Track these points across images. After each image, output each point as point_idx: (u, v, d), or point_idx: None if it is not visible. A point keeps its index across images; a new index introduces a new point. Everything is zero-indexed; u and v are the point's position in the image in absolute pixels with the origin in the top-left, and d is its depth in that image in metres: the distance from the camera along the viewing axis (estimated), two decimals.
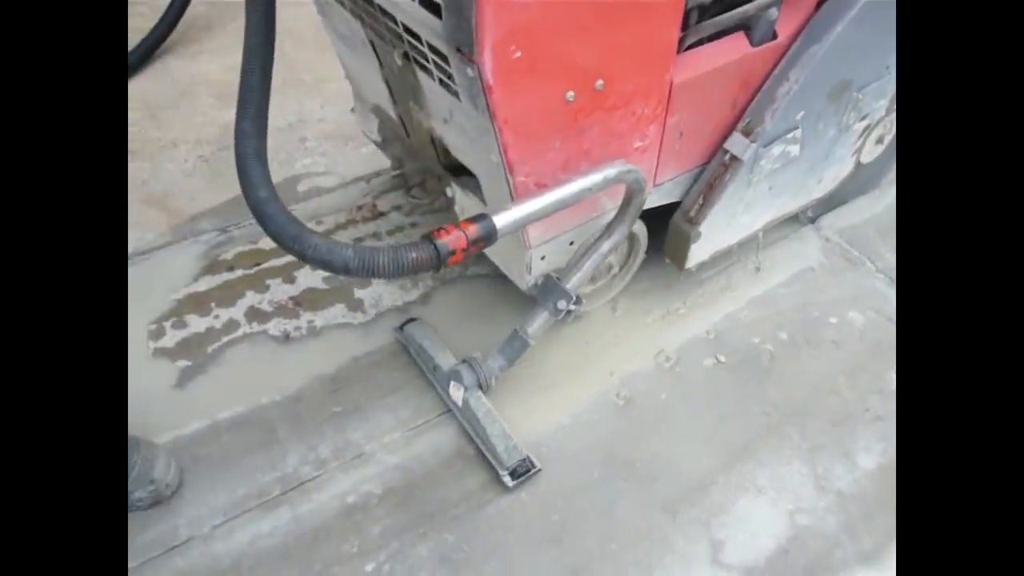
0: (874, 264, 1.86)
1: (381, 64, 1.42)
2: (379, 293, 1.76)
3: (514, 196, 1.24)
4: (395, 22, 1.18)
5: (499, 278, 1.75)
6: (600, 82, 1.16)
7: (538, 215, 1.17)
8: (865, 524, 1.36)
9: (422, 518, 1.35)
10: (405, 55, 1.25)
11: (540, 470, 1.41)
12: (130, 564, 1.27)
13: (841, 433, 1.50)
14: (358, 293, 1.76)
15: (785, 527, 1.35)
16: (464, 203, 1.53)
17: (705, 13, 1.27)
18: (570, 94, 1.14)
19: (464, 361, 1.47)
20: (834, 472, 1.43)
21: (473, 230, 1.10)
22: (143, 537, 1.32)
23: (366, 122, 1.77)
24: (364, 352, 1.63)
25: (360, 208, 1.95)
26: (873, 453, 1.47)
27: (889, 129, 1.75)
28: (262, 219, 1.08)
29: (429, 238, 1.08)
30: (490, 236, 1.12)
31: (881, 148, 1.81)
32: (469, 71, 1.03)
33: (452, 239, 1.08)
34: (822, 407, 1.54)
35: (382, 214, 1.94)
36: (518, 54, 1.03)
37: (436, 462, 1.43)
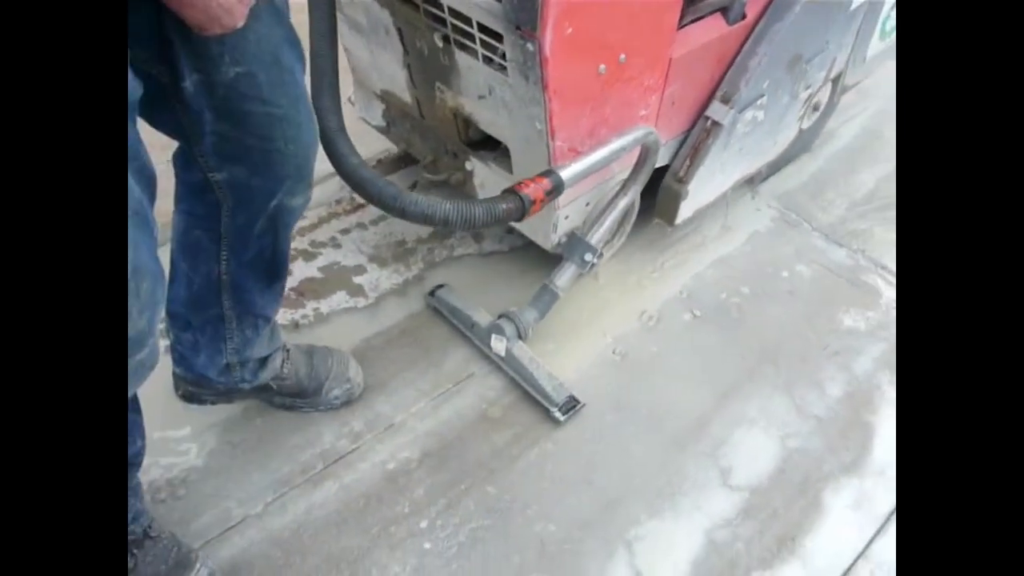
0: (809, 224, 2.11)
1: (406, 51, 1.54)
2: (376, 278, 1.84)
3: (552, 160, 1.41)
4: (439, 7, 1.34)
5: (483, 257, 1.88)
6: (623, 56, 1.36)
7: (590, 170, 1.37)
8: (843, 442, 1.57)
9: (462, 475, 1.46)
10: (445, 38, 1.39)
11: (585, 404, 1.57)
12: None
13: (809, 367, 1.71)
14: (356, 279, 1.84)
15: (778, 450, 1.55)
16: (483, 175, 1.69)
17: None
18: (602, 67, 1.34)
19: (502, 316, 1.61)
20: (809, 400, 1.65)
21: (546, 183, 1.29)
22: (197, 523, 1.37)
23: (368, 109, 1.87)
24: (374, 333, 1.71)
25: (339, 202, 2.03)
26: (838, 382, 1.69)
27: (823, 97, 2.02)
28: (360, 184, 1.20)
29: (513, 191, 1.26)
30: (559, 187, 1.30)
31: (817, 114, 2.07)
32: (529, 46, 1.21)
33: (532, 190, 1.27)
34: (789, 347, 1.75)
35: (361, 205, 2.02)
36: (570, 30, 1.22)
37: (463, 425, 1.54)
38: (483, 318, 1.66)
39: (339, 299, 1.79)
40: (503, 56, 1.30)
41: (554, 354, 1.69)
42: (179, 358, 1.36)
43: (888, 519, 1.46)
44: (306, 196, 1.15)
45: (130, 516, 1.17)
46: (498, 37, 1.28)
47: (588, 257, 1.62)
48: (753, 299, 1.86)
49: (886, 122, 2.53)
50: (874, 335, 1.81)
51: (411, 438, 1.51)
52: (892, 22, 2.07)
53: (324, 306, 1.77)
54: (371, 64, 1.74)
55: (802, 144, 2.22)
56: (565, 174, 1.31)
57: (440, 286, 1.78)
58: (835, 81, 2.01)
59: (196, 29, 0.85)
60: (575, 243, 1.63)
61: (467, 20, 1.31)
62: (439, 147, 1.79)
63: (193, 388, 1.41)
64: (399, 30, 1.52)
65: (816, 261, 1.99)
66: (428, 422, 1.54)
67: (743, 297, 1.87)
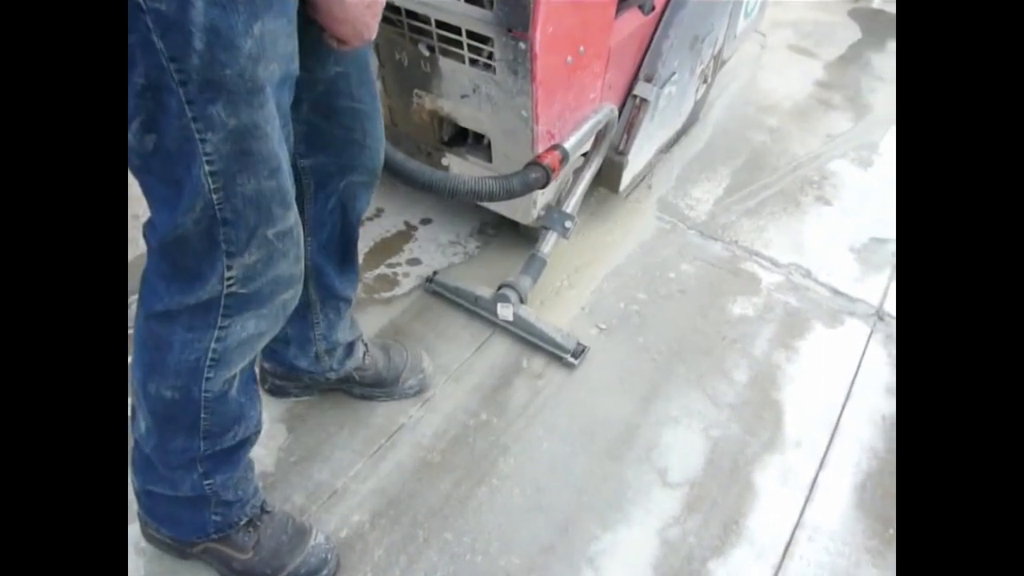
0: (684, 224, 2.24)
1: (381, 64, 1.74)
2: None
3: (535, 142, 1.64)
4: (425, 22, 1.55)
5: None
6: (582, 48, 1.62)
7: (582, 142, 1.76)
8: (758, 423, 1.69)
9: (417, 527, 1.45)
10: (430, 47, 1.61)
11: (590, 348, 1.80)
12: None
13: (714, 359, 1.83)
14: None
15: (704, 443, 1.64)
16: (460, 168, 1.89)
17: None
18: (569, 58, 1.59)
19: (503, 286, 1.80)
20: (721, 390, 1.76)
21: (557, 153, 1.64)
22: None
23: None
24: (294, 400, 1.67)
25: None
26: (742, 368, 1.82)
27: (710, 71, 2.42)
28: (410, 174, 1.45)
29: (535, 163, 1.61)
30: (567, 155, 1.67)
31: (705, 87, 2.48)
32: (521, 45, 1.45)
33: (550, 159, 1.62)
34: (692, 344, 1.86)
35: None
36: (551, 29, 1.46)
37: (406, 477, 1.53)
38: (485, 291, 1.84)
39: None
40: (489, 56, 1.53)
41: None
42: (269, 352, 1.51)
43: (812, 486, 1.58)
44: (372, 178, 1.27)
45: (250, 491, 1.29)
46: (485, 41, 1.50)
47: (568, 224, 1.86)
48: (650, 304, 1.97)
49: (730, 120, 2.74)
50: (763, 319, 1.95)
51: (357, 501, 1.49)
52: (752, 3, 2.56)
53: None
54: None
55: (693, 115, 2.53)
56: (568, 145, 1.68)
57: (436, 272, 1.95)
58: (716, 57, 2.42)
59: (339, 43, 0.96)
60: (554, 214, 1.87)
61: (455, 29, 1.52)
62: (412, 150, 1.92)
63: (281, 381, 1.60)
64: (376, 46, 1.67)
65: (697, 258, 2.12)
66: (370, 482, 1.52)
67: (641, 303, 1.96)
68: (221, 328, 1.01)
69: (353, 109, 1.13)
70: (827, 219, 2.33)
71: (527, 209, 1.86)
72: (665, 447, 1.63)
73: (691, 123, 2.59)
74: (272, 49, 0.82)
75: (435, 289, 1.94)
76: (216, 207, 0.88)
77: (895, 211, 2.30)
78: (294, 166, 1.11)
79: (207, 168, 0.85)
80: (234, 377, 1.13)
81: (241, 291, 0.98)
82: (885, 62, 3.24)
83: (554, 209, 1.88)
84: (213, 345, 1.02)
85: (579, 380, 1.76)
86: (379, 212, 2.19)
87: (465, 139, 1.89)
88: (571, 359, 1.76)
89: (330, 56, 1.03)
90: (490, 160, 1.80)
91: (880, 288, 2.09)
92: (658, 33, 1.96)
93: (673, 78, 2.03)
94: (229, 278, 0.96)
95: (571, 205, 1.90)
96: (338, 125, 1.14)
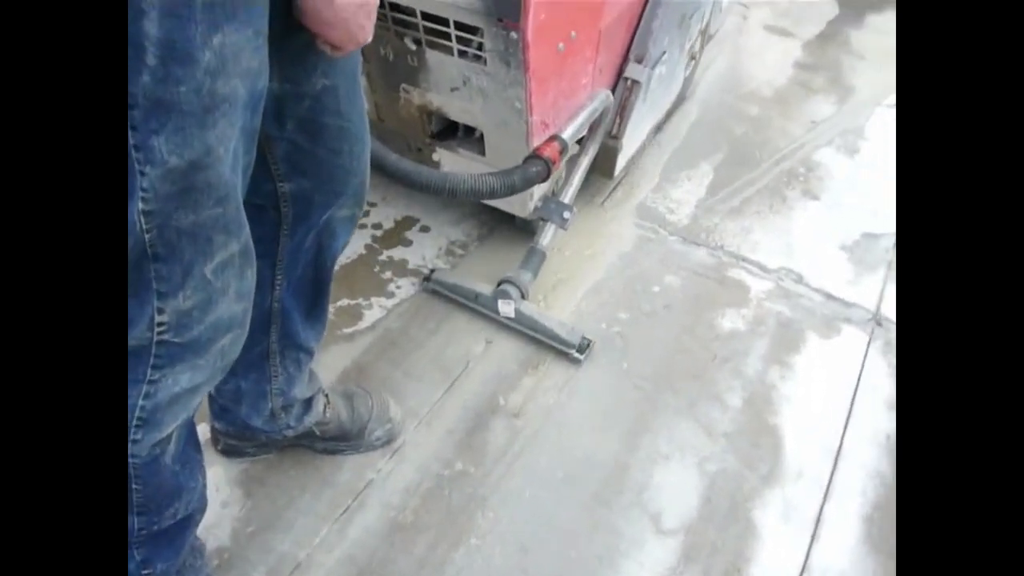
0: (665, 230, 2.11)
1: (365, 59, 1.67)
2: None
3: (530, 133, 1.60)
4: (411, 15, 1.51)
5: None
6: (574, 33, 1.57)
7: (580, 130, 1.73)
8: (756, 453, 1.57)
9: None
10: (417, 41, 1.55)
11: (595, 342, 1.74)
12: None
13: (705, 383, 1.70)
14: None
15: (699, 479, 1.52)
16: (451, 161, 1.84)
17: None
18: (561, 45, 1.54)
19: (502, 281, 1.74)
20: (714, 418, 1.63)
21: (555, 144, 1.60)
22: None
23: None
24: (250, 460, 1.53)
25: None
26: (735, 391, 1.69)
27: (697, 47, 2.39)
28: (406, 175, 1.38)
29: (534, 156, 1.57)
30: (566, 146, 1.63)
31: (693, 63, 2.45)
32: (512, 35, 1.40)
33: (549, 151, 1.59)
34: (680, 366, 1.74)
35: None
36: (543, 17, 1.42)
37: (377, 542, 1.40)
38: (485, 288, 1.78)
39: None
40: (479, 48, 1.48)
41: (451, 436, 1.58)
42: (220, 411, 1.39)
43: (817, 522, 1.46)
44: (354, 211, 1.16)
45: None
46: (474, 31, 1.45)
47: (566, 215, 1.80)
48: (633, 324, 1.83)
49: (710, 110, 2.60)
50: (754, 332, 1.83)
51: (323, 574, 1.36)
52: None
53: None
54: None
55: (682, 93, 2.50)
56: (567, 135, 1.65)
57: (433, 270, 1.88)
58: (703, 32, 2.39)
59: (333, 48, 0.87)
60: (552, 205, 1.82)
61: (443, 21, 1.47)
62: (401, 146, 1.86)
63: (235, 441, 1.46)
64: None
65: (681, 267, 1.99)
66: (337, 550, 1.39)
67: (623, 324, 1.83)
68: (150, 382, 0.87)
69: (341, 128, 1.02)
70: (815, 215, 2.20)
71: (523, 202, 1.81)
72: (657, 488, 1.50)
73: (680, 101, 2.55)
74: (233, 63, 0.73)
75: (433, 288, 1.87)
76: (148, 244, 0.77)
77: (895, 210, 2.18)
78: (274, 193, 1.06)
79: (141, 206, 0.73)
80: (168, 440, 0.99)
81: (175, 340, 0.85)
82: (864, 38, 3.11)
83: (551, 200, 1.84)
84: (141, 402, 0.88)
85: (560, 417, 1.62)
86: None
87: (455, 132, 1.84)
88: (576, 354, 1.71)
89: (317, 67, 0.94)
90: (483, 153, 1.76)
91: (875, 290, 1.96)
92: (646, 12, 1.93)
93: (663, 57, 2.00)
94: (160, 324, 0.83)
95: (568, 195, 1.85)
96: (324, 146, 1.03)
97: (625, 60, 1.95)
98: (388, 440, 1.54)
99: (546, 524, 1.44)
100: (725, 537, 1.43)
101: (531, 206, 1.83)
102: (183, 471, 1.06)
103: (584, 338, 1.73)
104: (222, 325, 0.90)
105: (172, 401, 0.91)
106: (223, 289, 0.87)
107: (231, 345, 0.94)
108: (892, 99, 2.72)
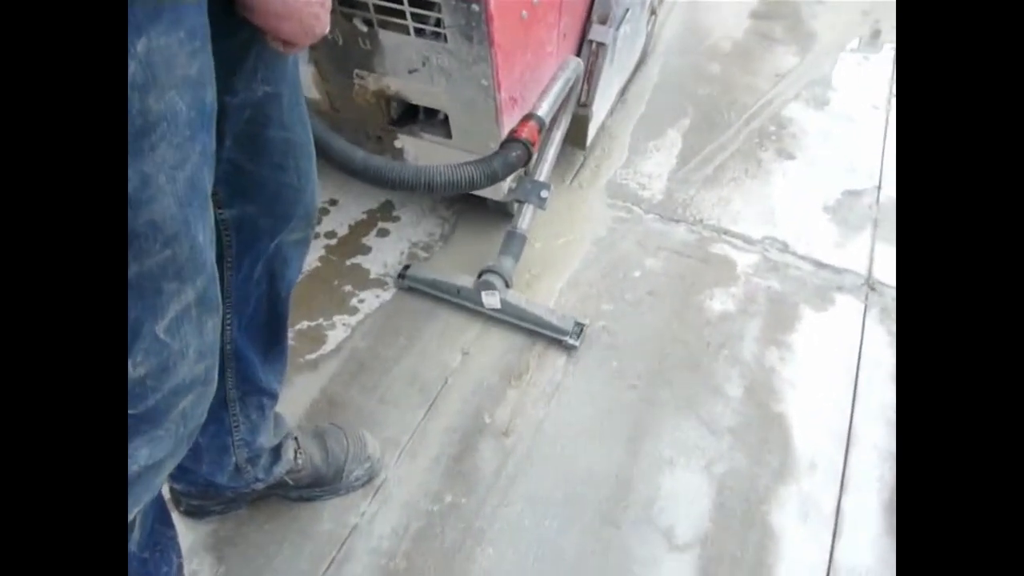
0: (640, 208, 1.98)
1: (313, 46, 1.48)
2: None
3: (500, 111, 1.48)
4: None
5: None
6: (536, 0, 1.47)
7: (555, 104, 1.65)
8: (764, 447, 1.47)
9: None
10: (367, 21, 1.43)
11: (589, 323, 1.66)
12: None
13: (702, 375, 1.59)
14: None
15: (709, 484, 1.42)
16: (416, 147, 1.71)
17: None
18: (524, 12, 1.44)
19: (484, 271, 1.63)
20: (716, 413, 1.53)
21: (532, 123, 1.55)
22: None
23: None
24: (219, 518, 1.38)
25: None
26: (734, 380, 1.58)
27: (656, 1, 2.34)
28: (377, 173, 1.32)
29: (512, 139, 1.51)
30: (543, 123, 1.58)
31: (654, 18, 2.38)
32: (474, 7, 1.29)
33: (527, 132, 1.53)
34: (674, 358, 1.62)
35: None
36: None
37: None
38: (466, 281, 1.67)
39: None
40: (437, 24, 1.36)
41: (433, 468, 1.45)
42: (178, 471, 1.20)
43: (837, 517, 1.37)
44: (306, 233, 1.03)
45: None
46: (430, 7, 1.33)
47: (544, 194, 1.69)
48: (618, 316, 1.71)
49: (668, 74, 2.46)
50: (746, 312, 1.72)
51: None
52: None
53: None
54: None
55: (644, 51, 2.41)
56: (542, 112, 1.58)
57: (407, 266, 1.77)
58: None
59: (286, 45, 0.77)
60: (528, 185, 1.70)
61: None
62: (359, 136, 1.74)
63: (199, 501, 1.32)
64: None
65: (661, 248, 1.87)
66: None
67: (608, 317, 1.71)
68: None
69: (286, 141, 0.90)
70: (793, 176, 2.09)
71: (497, 185, 1.66)
72: (666, 499, 1.39)
73: (643, 60, 2.45)
74: (166, 73, 0.61)
75: (409, 285, 1.76)
76: None
77: (895, 170, 2.07)
78: (214, 222, 0.89)
79: None
80: (131, 527, 0.87)
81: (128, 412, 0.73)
82: None
83: (526, 180, 1.72)
84: None
85: (552, 430, 1.50)
86: None
87: (416, 116, 1.71)
88: (571, 340, 1.61)
89: (257, 72, 0.81)
90: (449, 135, 1.64)
91: (864, 252, 1.87)
92: None
93: (628, 15, 1.90)
94: None
95: (543, 172, 1.74)
96: (268, 164, 0.90)
97: (588, 22, 1.84)
98: (369, 479, 1.40)
99: (552, 553, 1.32)
100: (743, 546, 1.33)
101: (505, 188, 1.72)
102: (152, 557, 0.95)
103: (577, 322, 1.63)
104: (182, 389, 0.77)
105: (131, 483, 0.78)
106: (181, 351, 0.74)
107: (193, 407, 0.81)
108: (855, 43, 2.61)
